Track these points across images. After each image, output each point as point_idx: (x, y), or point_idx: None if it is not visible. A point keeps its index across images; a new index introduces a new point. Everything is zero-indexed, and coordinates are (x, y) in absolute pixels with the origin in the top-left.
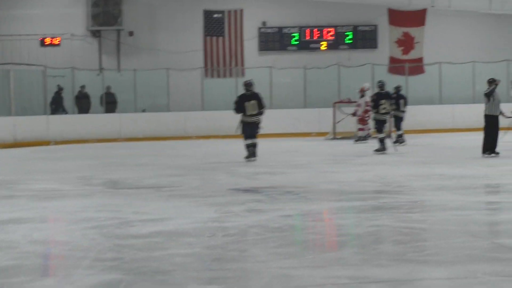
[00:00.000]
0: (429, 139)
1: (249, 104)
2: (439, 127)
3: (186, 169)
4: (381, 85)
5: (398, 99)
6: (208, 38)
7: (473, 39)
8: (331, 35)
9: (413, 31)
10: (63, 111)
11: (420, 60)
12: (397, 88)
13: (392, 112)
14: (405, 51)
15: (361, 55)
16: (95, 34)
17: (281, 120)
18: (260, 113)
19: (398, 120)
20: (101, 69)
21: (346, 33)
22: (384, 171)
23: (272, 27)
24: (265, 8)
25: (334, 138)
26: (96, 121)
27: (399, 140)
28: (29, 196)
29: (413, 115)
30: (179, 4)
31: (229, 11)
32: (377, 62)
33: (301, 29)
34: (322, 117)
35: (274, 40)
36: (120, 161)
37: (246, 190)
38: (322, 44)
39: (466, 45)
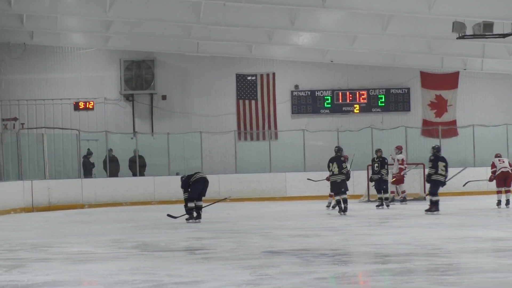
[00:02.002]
0: (464, 201)
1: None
2: (474, 190)
3: (220, 231)
4: (337, 149)
5: (383, 164)
6: (241, 101)
7: (505, 102)
8: (364, 98)
9: (445, 93)
10: (92, 175)
11: (453, 122)
12: (378, 152)
13: (375, 177)
14: (438, 114)
15: (394, 118)
16: (128, 98)
17: (315, 183)
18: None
19: (382, 184)
20: (134, 132)
21: (378, 96)
22: (419, 233)
23: (304, 90)
24: (297, 71)
25: (369, 201)
26: (130, 184)
27: (383, 203)
28: (63, 259)
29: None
30: (212, 68)
31: (261, 75)
32: (410, 125)
33: (334, 92)
34: (356, 179)
35: (306, 103)
36: (153, 224)
37: (281, 253)
38: (355, 107)
39: (499, 108)
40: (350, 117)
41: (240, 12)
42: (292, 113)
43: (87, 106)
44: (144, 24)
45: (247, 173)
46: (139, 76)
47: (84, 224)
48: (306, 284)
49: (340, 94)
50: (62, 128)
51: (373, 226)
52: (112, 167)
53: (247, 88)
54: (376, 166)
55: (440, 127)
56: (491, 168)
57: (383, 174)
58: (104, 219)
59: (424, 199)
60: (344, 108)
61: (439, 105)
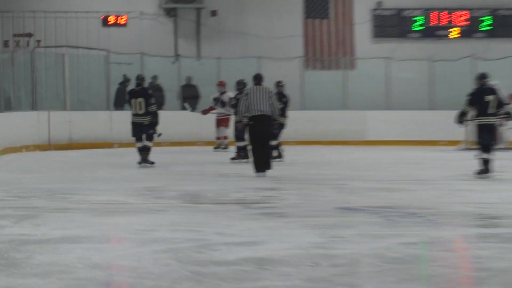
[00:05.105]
0: None
1: (135, 102)
2: None
3: (282, 181)
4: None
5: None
6: (310, 20)
7: None
8: (465, 20)
9: None
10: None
11: None
12: (279, 84)
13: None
14: None
15: (501, 46)
16: (170, 12)
17: (401, 125)
18: (148, 114)
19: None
20: (176, 55)
21: (483, 18)
22: None
23: (389, 9)
24: None
25: (468, 148)
26: (172, 119)
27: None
28: (86, 210)
29: None
30: None
31: None
32: None
33: (426, 12)
34: (452, 122)
35: (392, 24)
36: (200, 169)
37: (358, 210)
38: (453, 31)
39: None
40: (446, 44)
41: None
42: (374, 36)
43: (119, 21)
44: None
45: (317, 109)
46: None
47: (113, 168)
48: (389, 250)
49: (434, 14)
50: (87, 48)
51: (474, 180)
52: (156, 99)
53: (318, 4)
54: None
55: None
56: None
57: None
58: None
59: None
60: (438, 32)
61: None
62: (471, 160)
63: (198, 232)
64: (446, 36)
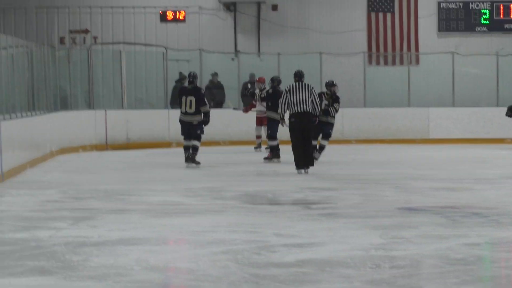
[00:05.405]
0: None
1: (186, 99)
2: None
3: (343, 181)
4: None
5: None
6: (373, 14)
7: None
8: None
9: None
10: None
11: None
12: (333, 84)
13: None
14: None
15: None
16: (229, 7)
17: (467, 122)
18: (198, 113)
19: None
20: (236, 52)
21: None
22: None
23: (455, 1)
24: None
25: None
26: (231, 118)
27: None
28: (144, 211)
29: None
30: None
31: None
32: None
33: (493, 5)
34: None
35: (458, 18)
36: (259, 169)
37: (421, 210)
38: None
39: None
40: None
41: None
42: (439, 30)
43: (177, 16)
44: None
45: (379, 107)
46: None
47: (171, 168)
48: (452, 250)
49: (501, 7)
50: (145, 44)
51: None
52: (216, 97)
53: None
54: None
55: None
56: None
57: None
58: None
59: None
60: (506, 26)
61: None
62: None
63: (257, 233)
64: None
